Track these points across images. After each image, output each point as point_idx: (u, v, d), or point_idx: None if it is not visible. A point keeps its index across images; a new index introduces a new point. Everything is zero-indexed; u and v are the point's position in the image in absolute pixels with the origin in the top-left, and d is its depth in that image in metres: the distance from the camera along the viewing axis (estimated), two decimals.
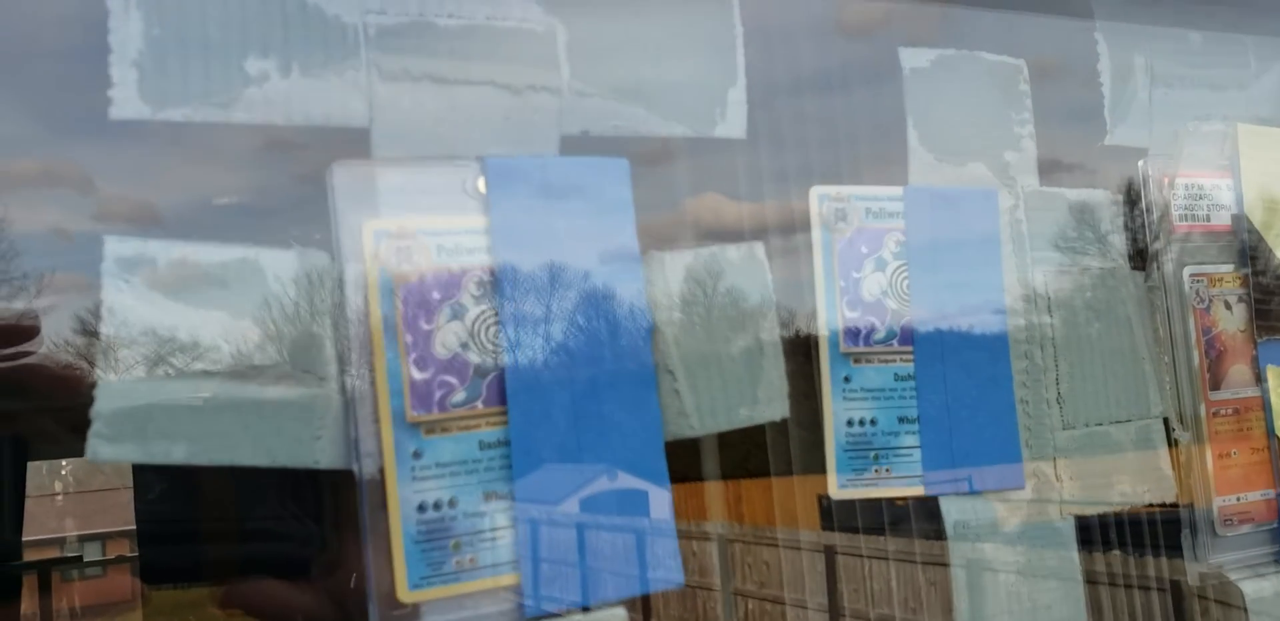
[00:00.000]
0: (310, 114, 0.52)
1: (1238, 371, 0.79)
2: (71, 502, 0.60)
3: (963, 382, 0.67)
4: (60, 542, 0.61)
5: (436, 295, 0.54)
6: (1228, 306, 0.79)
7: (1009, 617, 0.66)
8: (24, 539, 0.56)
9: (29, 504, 0.57)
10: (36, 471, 0.59)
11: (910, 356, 0.66)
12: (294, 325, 0.51)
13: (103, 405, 0.46)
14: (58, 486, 0.60)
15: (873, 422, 0.65)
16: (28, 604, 0.57)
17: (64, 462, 0.61)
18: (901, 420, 0.66)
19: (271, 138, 0.52)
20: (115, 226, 0.48)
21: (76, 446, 0.50)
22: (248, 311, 0.50)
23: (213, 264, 0.49)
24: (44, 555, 0.60)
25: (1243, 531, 0.78)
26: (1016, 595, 0.66)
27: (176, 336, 0.48)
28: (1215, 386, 0.78)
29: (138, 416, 0.47)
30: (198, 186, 0.52)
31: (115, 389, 0.47)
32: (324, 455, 0.51)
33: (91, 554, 0.60)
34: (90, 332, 0.48)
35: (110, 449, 0.47)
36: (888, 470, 0.65)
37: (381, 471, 0.52)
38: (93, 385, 0.46)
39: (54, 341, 0.50)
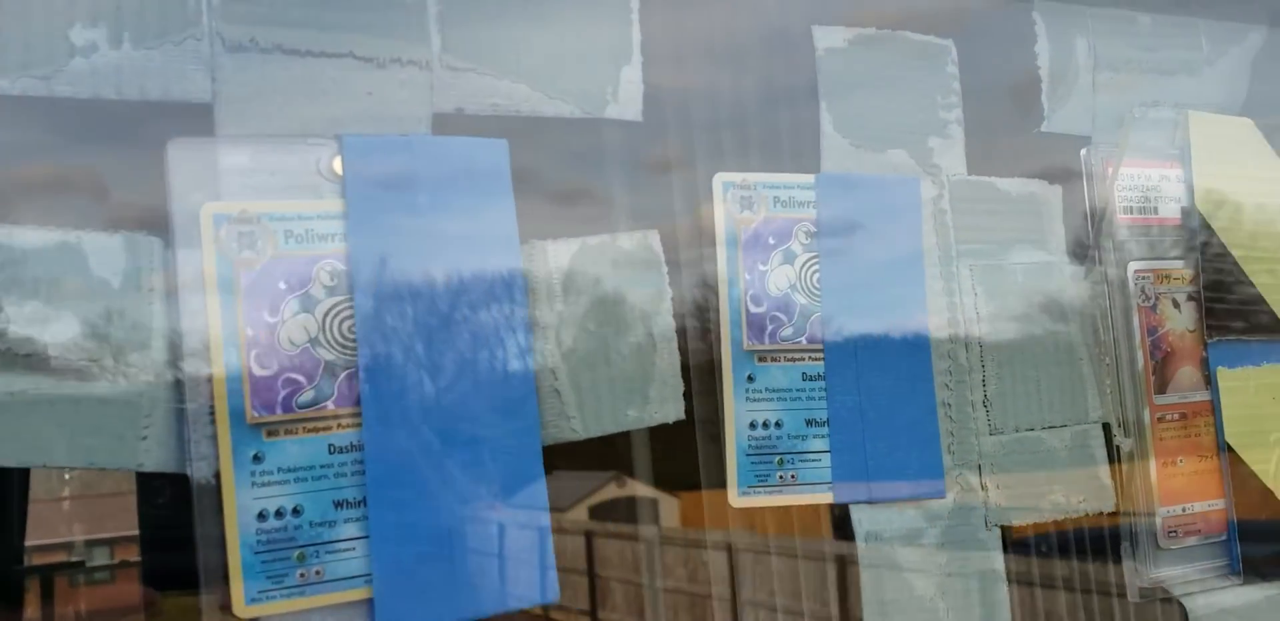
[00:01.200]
0: (146, 88, 0.48)
1: (1186, 374, 0.75)
2: (78, 507, 0.57)
3: (877, 383, 0.62)
4: (67, 547, 0.58)
5: (283, 285, 0.50)
6: (1176, 305, 0.75)
7: None
8: (31, 543, 0.53)
9: (37, 508, 0.54)
10: (45, 475, 0.56)
11: (820, 355, 0.62)
12: (120, 316, 0.47)
13: None
14: (65, 491, 0.57)
15: (778, 425, 0.61)
16: (29, 609, 0.54)
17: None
18: (809, 423, 0.61)
19: (102, 113, 0.48)
20: None
21: None
22: (66, 300, 0.46)
23: (28, 249, 0.45)
24: (51, 560, 0.57)
25: (1188, 544, 0.73)
26: (934, 612, 0.62)
27: None
28: (1161, 390, 0.73)
29: None
30: (12, 166, 0.48)
31: None
32: (149, 457, 0.47)
33: (100, 558, 0.57)
34: None
35: None
36: (793, 476, 0.61)
37: (218, 476, 0.48)
38: None
39: None
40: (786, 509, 0.62)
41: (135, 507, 0.50)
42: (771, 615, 0.62)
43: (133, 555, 0.51)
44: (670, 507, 0.65)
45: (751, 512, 0.61)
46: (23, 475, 0.52)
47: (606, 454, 0.65)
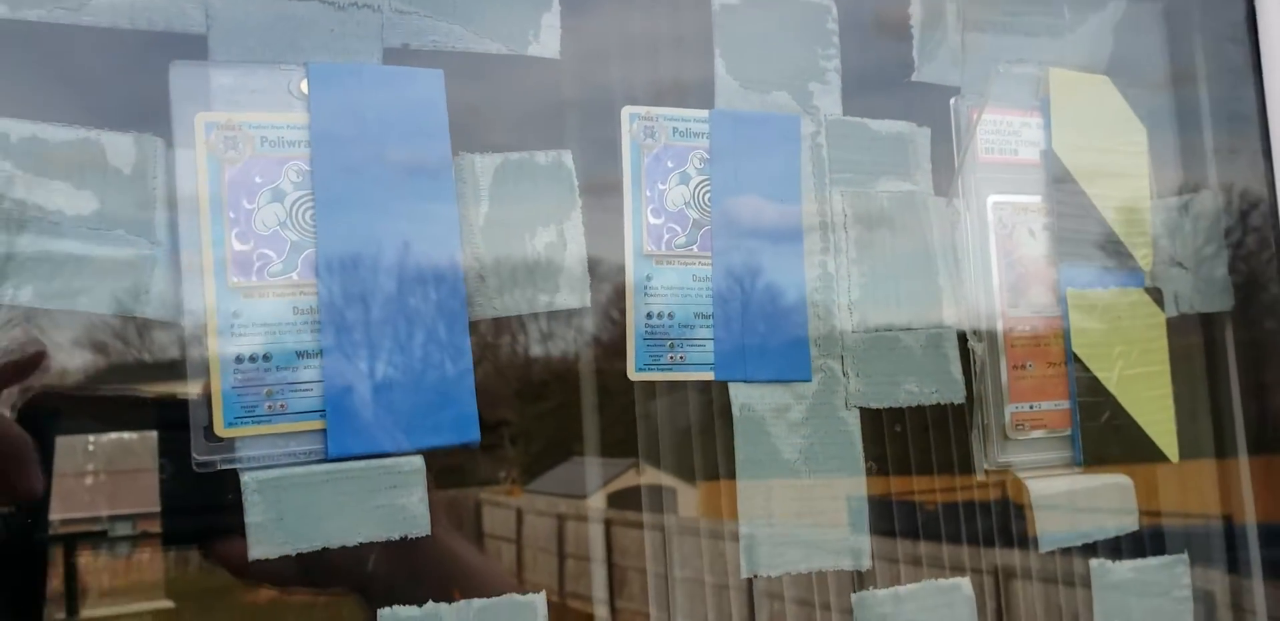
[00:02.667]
0: (152, 20, 0.61)
1: (1038, 293, 0.87)
2: (102, 482, 0.63)
3: (756, 284, 0.75)
4: (91, 521, 0.64)
5: (259, 179, 0.63)
6: (1031, 233, 0.87)
7: (790, 495, 0.74)
8: (55, 517, 0.61)
9: (62, 482, 0.61)
10: (70, 450, 0.63)
11: (708, 260, 0.75)
12: (127, 196, 0.60)
13: None
14: (89, 466, 0.63)
15: (670, 316, 0.74)
16: (53, 577, 0.62)
17: (90, 439, 0.65)
18: (698, 315, 0.74)
19: (118, 39, 0.61)
20: None
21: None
22: (86, 182, 0.59)
23: (58, 141, 0.58)
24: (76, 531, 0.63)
25: (1034, 436, 0.86)
26: (797, 473, 0.75)
27: (24, 200, 0.57)
28: (1014, 305, 0.86)
29: None
30: (50, 78, 0.61)
31: None
32: (150, 308, 0.60)
33: (122, 532, 0.63)
34: None
35: None
36: (682, 357, 0.74)
37: (205, 327, 0.61)
38: None
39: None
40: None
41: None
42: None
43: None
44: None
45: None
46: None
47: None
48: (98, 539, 0.64)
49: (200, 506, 0.62)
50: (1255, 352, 0.97)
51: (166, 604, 0.66)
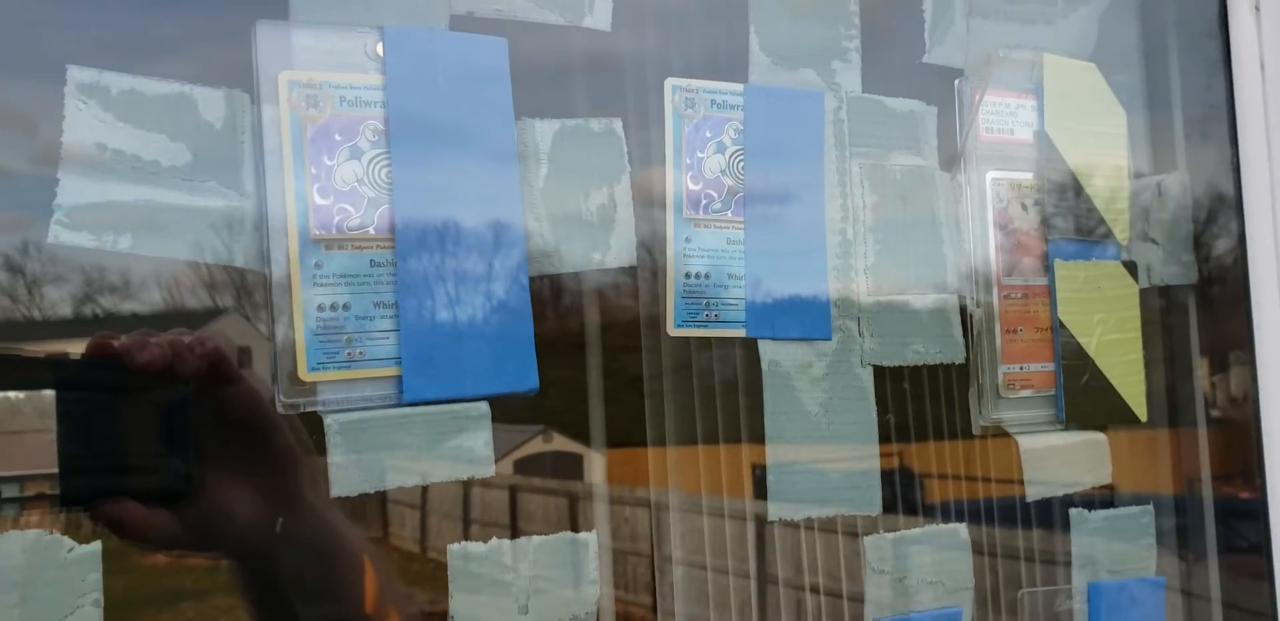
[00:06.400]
0: None
1: (1029, 263, 0.94)
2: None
3: (782, 249, 0.80)
4: None
5: (338, 137, 0.66)
6: (1024, 207, 0.94)
7: (810, 438, 0.80)
8: None
9: None
10: None
11: (741, 225, 0.80)
12: (218, 149, 0.62)
13: (63, 198, 0.58)
14: None
15: (707, 276, 0.78)
16: None
17: None
18: (730, 276, 0.79)
19: (205, 2, 0.63)
20: (76, 61, 0.59)
21: None
22: (181, 134, 0.61)
23: (155, 95, 0.61)
24: None
25: (1023, 395, 0.93)
26: (818, 426, 0.81)
27: (123, 150, 0.60)
28: (1008, 273, 0.93)
29: (92, 210, 0.59)
30: (146, 35, 0.63)
31: (73, 186, 0.58)
32: (239, 257, 0.63)
33: (10, 494, 0.59)
34: None
35: (69, 235, 0.58)
36: (717, 315, 0.79)
37: (289, 276, 0.64)
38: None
39: None
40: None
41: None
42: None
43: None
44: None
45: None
46: None
47: None
48: None
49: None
50: (1213, 322, 1.06)
51: None
